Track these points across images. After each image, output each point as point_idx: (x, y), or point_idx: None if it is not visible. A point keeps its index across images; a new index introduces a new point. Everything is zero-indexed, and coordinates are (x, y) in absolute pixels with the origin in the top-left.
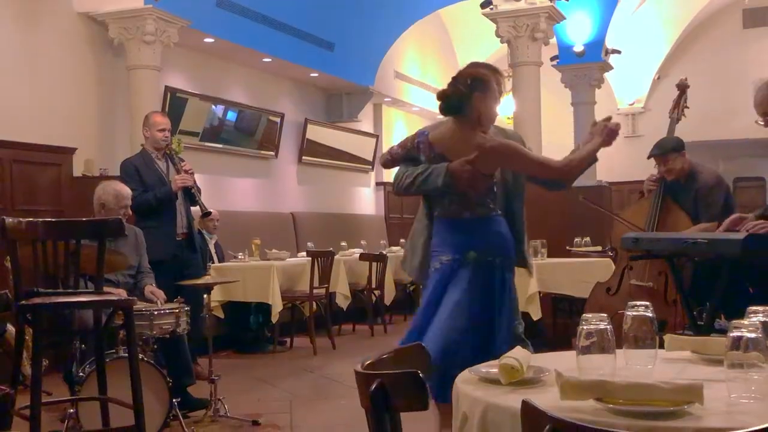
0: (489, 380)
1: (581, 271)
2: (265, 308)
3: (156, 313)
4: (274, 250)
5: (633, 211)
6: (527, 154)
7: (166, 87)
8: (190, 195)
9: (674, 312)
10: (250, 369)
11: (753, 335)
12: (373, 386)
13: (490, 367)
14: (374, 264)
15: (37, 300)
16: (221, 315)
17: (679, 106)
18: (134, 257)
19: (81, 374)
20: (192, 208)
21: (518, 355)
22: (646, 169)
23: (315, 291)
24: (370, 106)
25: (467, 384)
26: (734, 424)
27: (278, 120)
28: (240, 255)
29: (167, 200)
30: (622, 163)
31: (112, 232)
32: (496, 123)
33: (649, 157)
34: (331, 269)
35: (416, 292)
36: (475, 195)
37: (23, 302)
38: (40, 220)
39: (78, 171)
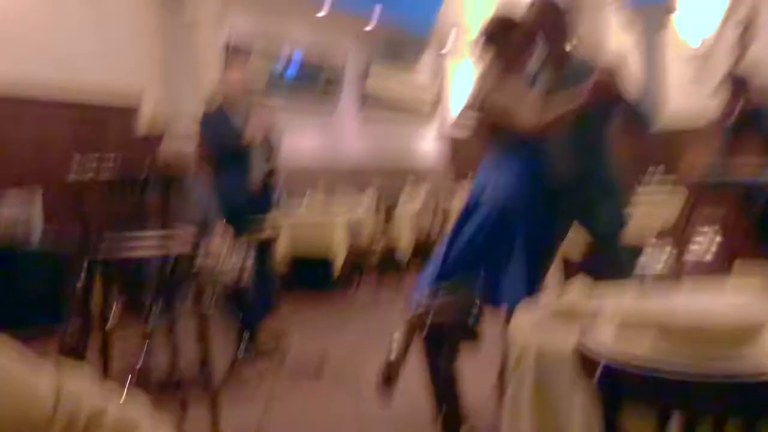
0: (546, 316)
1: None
2: (328, 261)
3: (221, 264)
4: (336, 204)
5: (704, 141)
6: (498, 105)
7: (226, 41)
8: (262, 149)
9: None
10: (316, 313)
11: None
12: (428, 327)
13: (547, 304)
14: (436, 216)
15: (105, 248)
16: (285, 269)
17: (748, 32)
18: (200, 206)
19: (152, 323)
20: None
21: (576, 289)
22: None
23: (377, 244)
24: (430, 57)
25: (522, 321)
26: None
27: (338, 72)
28: (302, 208)
29: (241, 153)
30: (689, 108)
31: (177, 181)
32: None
33: (718, 93)
34: (392, 222)
35: None
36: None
37: (91, 254)
38: (107, 167)
39: (142, 129)
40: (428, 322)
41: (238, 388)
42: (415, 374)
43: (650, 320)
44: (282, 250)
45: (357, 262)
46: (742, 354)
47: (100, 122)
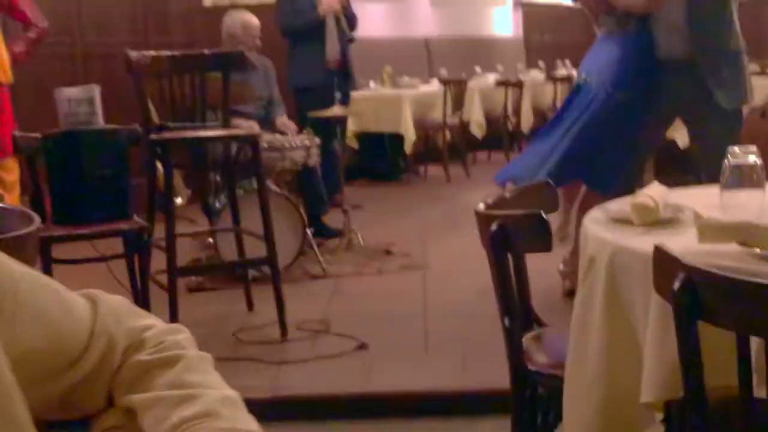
0: (620, 220)
1: None
2: (398, 138)
3: (287, 145)
4: (405, 78)
5: None
6: None
7: None
8: (338, 21)
9: None
10: (383, 198)
11: None
12: (493, 227)
13: (623, 205)
14: (510, 90)
15: (166, 135)
16: (355, 145)
17: None
18: (264, 88)
19: (218, 205)
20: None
21: (654, 192)
22: None
23: (448, 120)
24: None
25: (596, 224)
26: None
27: None
28: (372, 83)
29: (316, 26)
30: None
31: (236, 65)
32: None
33: None
34: (464, 97)
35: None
36: (597, 11)
37: (152, 137)
38: (164, 53)
39: (209, 1)
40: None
41: (303, 275)
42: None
43: (733, 228)
44: (351, 126)
45: (428, 139)
46: None
47: (166, 3)
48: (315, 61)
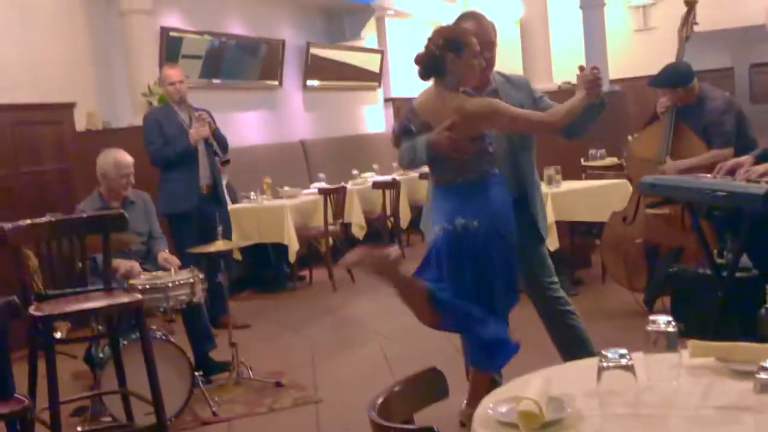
0: (508, 424)
1: (598, 195)
2: (281, 247)
3: (170, 284)
4: (286, 188)
5: (646, 136)
6: (509, 112)
7: (161, 28)
8: (210, 146)
9: (692, 238)
10: (270, 313)
11: None
12: None
13: (508, 407)
14: (387, 191)
15: (46, 308)
16: (239, 257)
17: (687, 23)
18: (144, 224)
19: (101, 356)
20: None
21: (536, 391)
22: (660, 62)
23: (330, 227)
24: (372, 22)
25: (485, 429)
26: None
27: (279, 47)
28: (252, 194)
29: (187, 153)
30: (636, 58)
31: (116, 226)
32: (505, 71)
33: (653, 85)
34: (344, 203)
35: None
36: (469, 159)
37: (32, 311)
38: (42, 221)
39: (81, 125)
40: None
41: (194, 420)
42: None
43: None
44: (235, 238)
45: (311, 245)
46: None
47: (35, 123)
48: (188, 188)
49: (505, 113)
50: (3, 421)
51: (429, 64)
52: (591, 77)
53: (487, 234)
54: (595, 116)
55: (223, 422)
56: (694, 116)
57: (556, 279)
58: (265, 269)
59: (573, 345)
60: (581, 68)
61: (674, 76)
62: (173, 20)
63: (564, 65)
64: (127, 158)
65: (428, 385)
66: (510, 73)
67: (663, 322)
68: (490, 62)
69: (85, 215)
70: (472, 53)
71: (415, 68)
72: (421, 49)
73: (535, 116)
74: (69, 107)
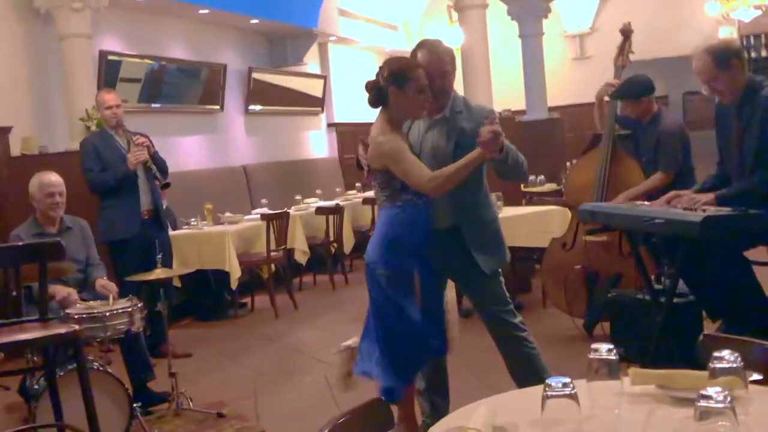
0: None
1: (538, 221)
2: (222, 274)
3: (107, 314)
4: (227, 214)
5: (585, 163)
6: (402, 165)
7: (100, 52)
8: (149, 169)
9: (630, 263)
10: (211, 341)
11: (720, 405)
12: None
13: None
14: (331, 217)
15: None
16: (178, 284)
17: (624, 53)
18: (82, 251)
19: (36, 387)
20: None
21: (481, 421)
22: (596, 90)
23: (272, 254)
24: (315, 47)
25: None
26: None
27: (221, 71)
28: (192, 221)
29: (126, 179)
30: (573, 86)
31: (53, 255)
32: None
33: (614, 98)
34: (287, 229)
35: None
36: (378, 188)
37: None
38: None
39: (16, 150)
40: None
41: None
42: None
43: None
44: (175, 265)
45: (252, 271)
46: None
47: None
48: (129, 214)
49: (399, 164)
50: None
51: (374, 94)
52: (486, 135)
53: (373, 268)
54: (513, 170)
55: None
56: (647, 132)
57: (509, 306)
58: (206, 296)
59: (527, 372)
60: (487, 121)
61: (638, 87)
62: (112, 44)
63: (504, 93)
64: (53, 178)
65: (373, 416)
66: (476, 104)
67: (605, 350)
68: (443, 90)
69: (21, 243)
70: (417, 87)
71: (364, 95)
72: (370, 77)
73: (421, 177)
74: (4, 131)
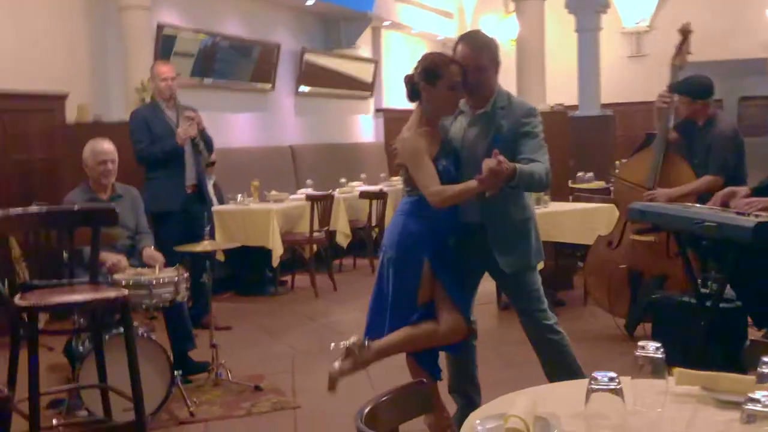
0: None
1: (584, 218)
2: (264, 251)
3: (154, 282)
4: (273, 192)
5: (636, 162)
6: (417, 168)
7: (158, 24)
8: (195, 145)
9: (676, 265)
10: (251, 316)
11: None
12: None
13: (495, 424)
14: (374, 201)
15: (32, 299)
16: (222, 258)
17: (681, 52)
18: (131, 218)
19: (81, 350)
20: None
21: (523, 408)
22: (650, 90)
23: (315, 235)
24: (368, 31)
25: None
26: None
27: (274, 51)
28: (239, 197)
29: (174, 153)
30: (627, 84)
31: (106, 221)
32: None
33: (673, 91)
34: (330, 211)
35: None
36: (402, 179)
37: (17, 301)
38: (32, 210)
39: (71, 117)
40: None
41: (170, 420)
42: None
43: None
44: (219, 240)
45: (294, 250)
46: None
47: (25, 111)
48: (174, 187)
49: (413, 166)
50: None
51: (409, 89)
52: (487, 170)
53: (388, 260)
54: (529, 189)
55: (200, 423)
56: (701, 134)
57: (542, 305)
58: (248, 272)
59: (560, 374)
60: (495, 154)
61: (698, 87)
62: (170, 17)
63: (557, 86)
64: (106, 146)
65: (415, 397)
66: (518, 100)
67: (652, 348)
68: (480, 85)
69: (76, 208)
70: (448, 84)
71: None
72: (412, 67)
73: (429, 185)
74: (61, 98)
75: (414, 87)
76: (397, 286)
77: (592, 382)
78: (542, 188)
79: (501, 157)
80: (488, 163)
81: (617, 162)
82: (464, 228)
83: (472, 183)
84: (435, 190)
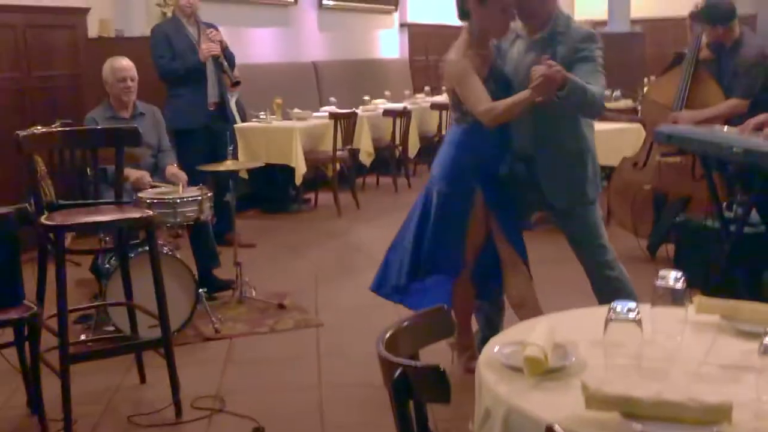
0: (513, 368)
1: (610, 138)
2: (288, 169)
3: (178, 200)
4: (296, 110)
5: (665, 82)
6: (466, 87)
7: None
8: (219, 64)
9: (701, 188)
10: (275, 234)
11: None
12: (396, 375)
13: (514, 350)
14: (398, 120)
15: (58, 219)
16: (245, 176)
17: None
18: (153, 136)
19: (108, 266)
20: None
21: (541, 336)
22: (682, 4)
23: (338, 152)
24: None
25: (489, 372)
26: None
27: None
28: (262, 114)
29: (195, 69)
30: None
31: (130, 141)
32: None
33: (693, 20)
34: (354, 129)
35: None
36: (450, 106)
37: (43, 221)
38: (55, 130)
39: (93, 32)
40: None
41: (196, 336)
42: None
43: (617, 400)
44: (241, 157)
45: (318, 169)
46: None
47: (47, 27)
48: (196, 104)
49: (461, 88)
50: (12, 326)
51: (459, 7)
52: (539, 75)
53: (433, 188)
54: (580, 109)
55: (224, 339)
56: (727, 58)
57: (598, 240)
58: (271, 190)
59: None
60: (544, 59)
61: (715, 13)
62: None
63: (587, 0)
64: (124, 63)
65: (435, 323)
66: (576, 25)
67: (672, 278)
68: (536, 10)
69: (99, 128)
70: (501, 5)
71: None
72: None
73: (478, 105)
74: (83, 12)
75: (463, 4)
76: (443, 219)
77: (611, 312)
78: (595, 110)
79: (551, 61)
80: (538, 69)
81: (645, 79)
82: (517, 159)
83: (524, 93)
84: (486, 108)
